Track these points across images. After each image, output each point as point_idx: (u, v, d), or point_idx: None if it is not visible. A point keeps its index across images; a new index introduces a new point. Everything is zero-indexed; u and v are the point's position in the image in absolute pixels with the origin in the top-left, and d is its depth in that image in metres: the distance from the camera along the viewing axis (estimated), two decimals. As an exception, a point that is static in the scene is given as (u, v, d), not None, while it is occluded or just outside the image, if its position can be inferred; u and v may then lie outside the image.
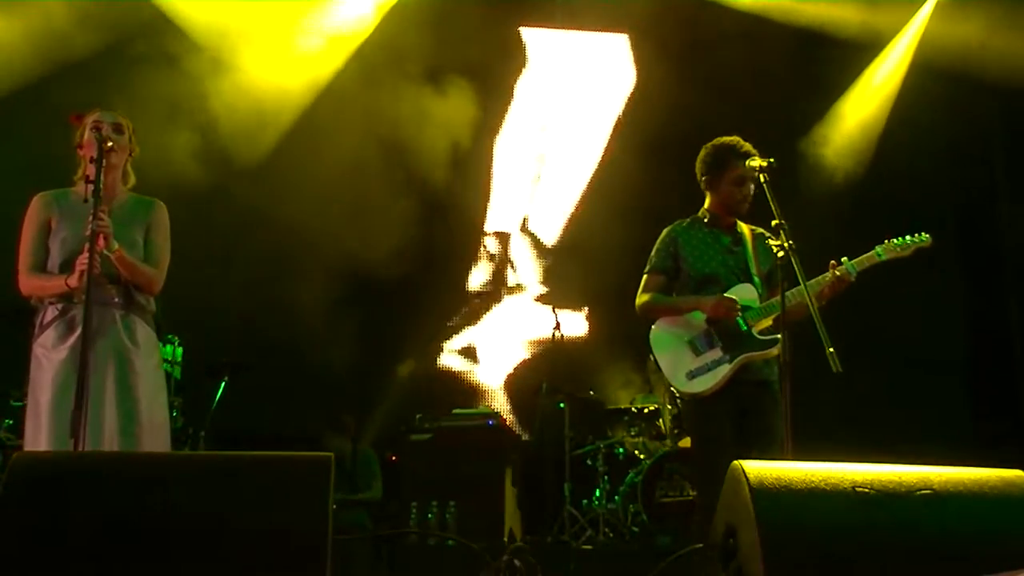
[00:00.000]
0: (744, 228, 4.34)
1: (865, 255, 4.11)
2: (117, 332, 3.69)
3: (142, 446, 3.59)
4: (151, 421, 3.68)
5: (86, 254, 3.51)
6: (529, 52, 8.18)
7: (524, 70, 8.16)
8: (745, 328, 4.13)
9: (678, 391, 4.24)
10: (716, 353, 4.14)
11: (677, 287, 4.33)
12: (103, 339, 3.64)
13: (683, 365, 4.17)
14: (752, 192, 4.25)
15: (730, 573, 2.74)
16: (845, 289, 4.07)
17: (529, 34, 8.20)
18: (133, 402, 3.63)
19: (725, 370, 4.10)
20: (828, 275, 4.05)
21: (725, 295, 4.16)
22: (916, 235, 4.16)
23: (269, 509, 2.53)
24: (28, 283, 3.78)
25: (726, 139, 4.31)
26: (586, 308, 7.94)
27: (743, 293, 4.19)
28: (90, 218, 3.52)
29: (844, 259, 4.08)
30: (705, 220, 4.37)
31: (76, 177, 3.84)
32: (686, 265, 4.29)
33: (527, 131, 8.22)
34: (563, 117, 8.24)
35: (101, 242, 3.55)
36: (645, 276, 4.39)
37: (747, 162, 4.12)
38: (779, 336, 3.96)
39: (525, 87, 8.19)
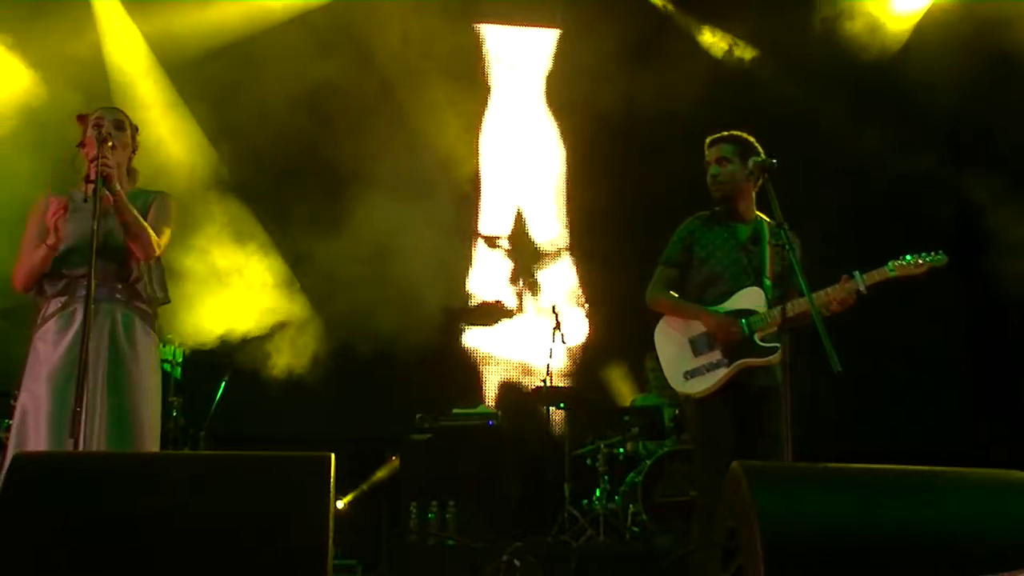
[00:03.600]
0: (765, 225, 4.27)
1: (876, 270, 4.06)
2: (115, 330, 3.67)
3: (128, 447, 3.56)
4: (139, 423, 3.64)
5: (94, 153, 3.55)
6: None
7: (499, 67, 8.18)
8: (747, 333, 4.10)
9: (675, 390, 4.26)
10: (715, 355, 4.12)
11: (687, 282, 4.30)
12: (100, 336, 3.62)
13: (682, 365, 4.18)
14: (722, 176, 4.24)
15: (730, 574, 2.74)
16: (856, 302, 4.03)
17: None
18: (122, 403, 3.61)
19: (721, 374, 4.09)
20: (837, 287, 4.02)
21: (729, 317, 4.10)
22: (932, 253, 4.10)
23: (269, 509, 2.53)
24: (19, 272, 3.72)
25: None
26: (586, 307, 7.94)
27: (751, 297, 4.16)
28: (91, 163, 3.55)
29: (856, 272, 4.04)
30: (721, 214, 4.32)
31: (80, 177, 3.81)
32: (697, 260, 4.27)
33: (509, 128, 8.23)
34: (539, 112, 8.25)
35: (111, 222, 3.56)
36: (658, 268, 4.37)
37: (747, 161, 4.16)
38: (779, 344, 3.96)
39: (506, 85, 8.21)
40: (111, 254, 3.67)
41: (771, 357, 4.03)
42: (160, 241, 3.82)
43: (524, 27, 8.24)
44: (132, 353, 3.70)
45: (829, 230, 6.57)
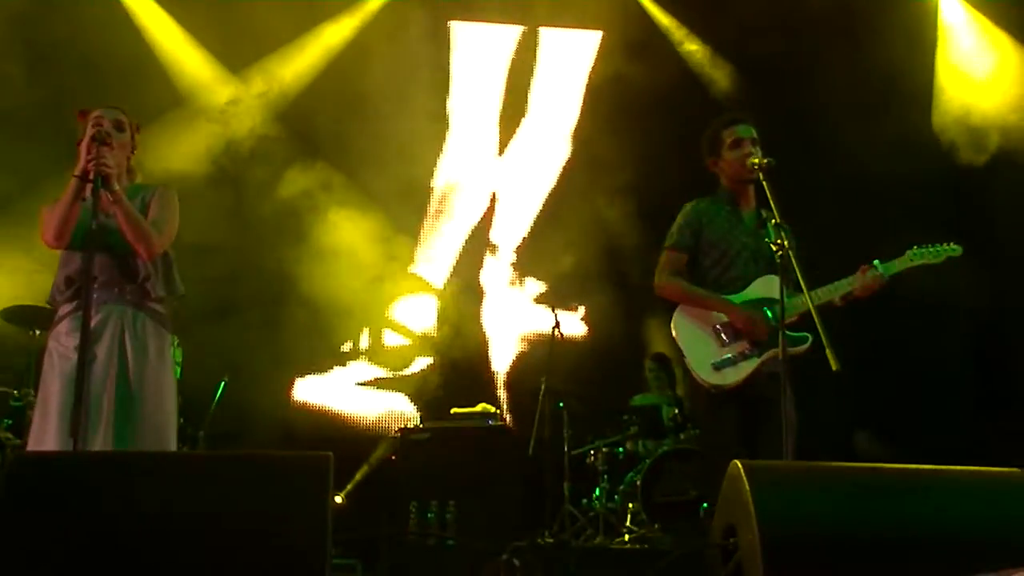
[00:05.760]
0: (762, 214, 4.16)
1: (898, 259, 4.04)
2: (126, 332, 3.65)
3: (139, 447, 3.55)
4: (153, 424, 3.63)
5: (92, 154, 3.50)
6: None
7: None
8: (775, 323, 3.94)
9: (703, 381, 4.01)
10: (743, 346, 3.99)
11: (699, 265, 4.18)
12: (110, 337, 3.61)
13: (708, 355, 4.01)
14: (754, 153, 4.08)
15: (730, 573, 2.74)
16: (879, 291, 4.00)
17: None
18: (132, 404, 3.59)
19: (754, 365, 3.96)
20: (856, 277, 4.00)
21: (754, 310, 3.99)
22: (947, 244, 4.08)
23: (268, 509, 2.53)
24: (47, 228, 3.65)
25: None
26: (583, 308, 7.93)
27: (769, 285, 4.03)
28: (89, 163, 3.50)
29: (876, 262, 4.01)
30: (725, 199, 4.23)
31: (75, 173, 3.74)
32: (707, 244, 4.15)
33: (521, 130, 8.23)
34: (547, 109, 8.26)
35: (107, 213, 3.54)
36: (665, 253, 4.23)
37: (749, 160, 4.04)
38: (807, 335, 3.89)
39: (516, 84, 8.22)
40: (116, 255, 3.64)
41: (799, 347, 3.90)
42: (163, 237, 3.75)
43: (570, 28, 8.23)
44: (144, 354, 3.67)
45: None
